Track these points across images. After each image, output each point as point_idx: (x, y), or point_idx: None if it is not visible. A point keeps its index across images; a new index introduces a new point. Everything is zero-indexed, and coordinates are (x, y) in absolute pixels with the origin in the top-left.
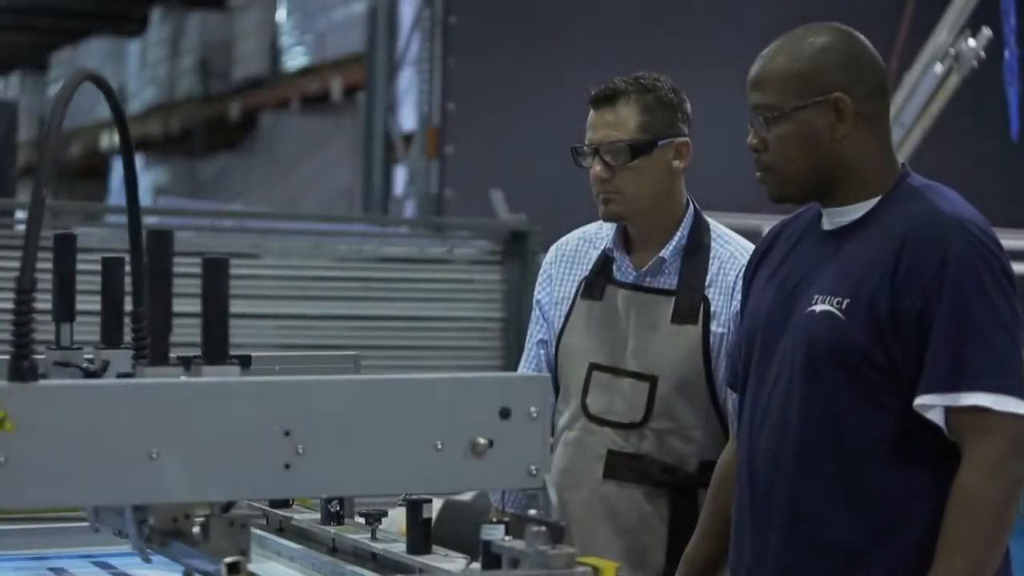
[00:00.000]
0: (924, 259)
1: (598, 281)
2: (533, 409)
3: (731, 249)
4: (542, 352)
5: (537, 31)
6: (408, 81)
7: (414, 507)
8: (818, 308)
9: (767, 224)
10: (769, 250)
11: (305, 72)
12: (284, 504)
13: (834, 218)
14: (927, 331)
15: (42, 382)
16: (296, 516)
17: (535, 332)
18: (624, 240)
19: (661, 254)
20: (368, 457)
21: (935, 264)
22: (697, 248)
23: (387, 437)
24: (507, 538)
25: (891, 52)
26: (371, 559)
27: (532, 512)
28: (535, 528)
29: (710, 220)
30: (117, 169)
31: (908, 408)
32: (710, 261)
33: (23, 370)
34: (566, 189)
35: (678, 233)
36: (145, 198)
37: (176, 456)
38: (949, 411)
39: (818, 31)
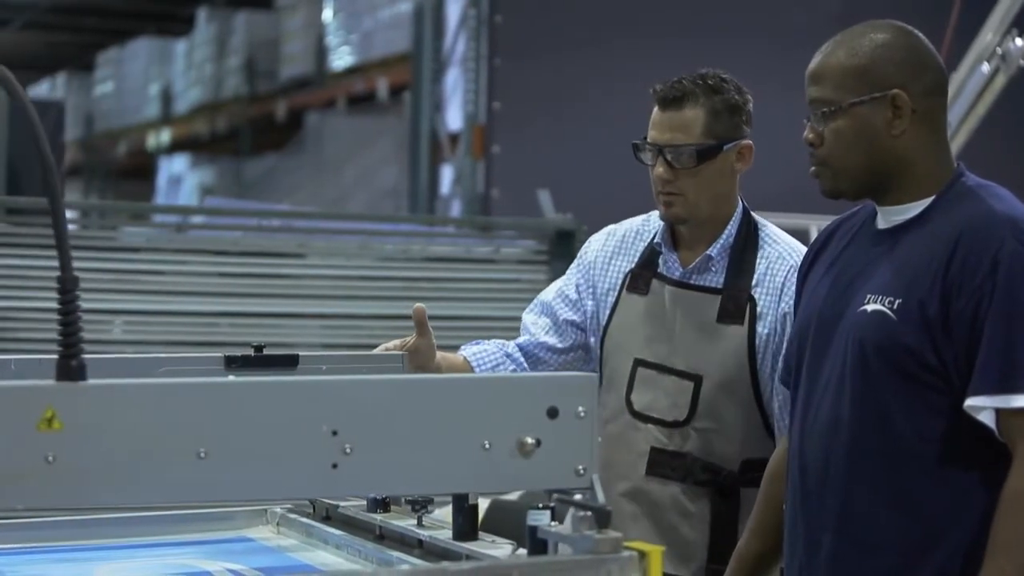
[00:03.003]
0: (975, 260)
1: (644, 275)
2: (581, 408)
3: (779, 249)
4: (551, 319)
5: (583, 30)
6: (454, 80)
7: (460, 498)
8: (870, 307)
9: (815, 224)
10: (823, 247)
11: (351, 72)
12: None
13: (888, 217)
14: (979, 332)
15: (90, 381)
16: (342, 504)
17: (561, 306)
18: (672, 236)
19: (709, 252)
20: (415, 457)
21: (986, 265)
22: (745, 247)
23: (434, 436)
24: (553, 523)
25: (937, 52)
26: (418, 546)
27: (578, 497)
28: (581, 513)
29: (760, 219)
30: (164, 169)
31: (959, 409)
32: (758, 261)
33: (71, 369)
34: (613, 188)
35: (726, 231)
36: (191, 198)
37: (224, 456)
38: (1000, 413)
39: (879, 27)
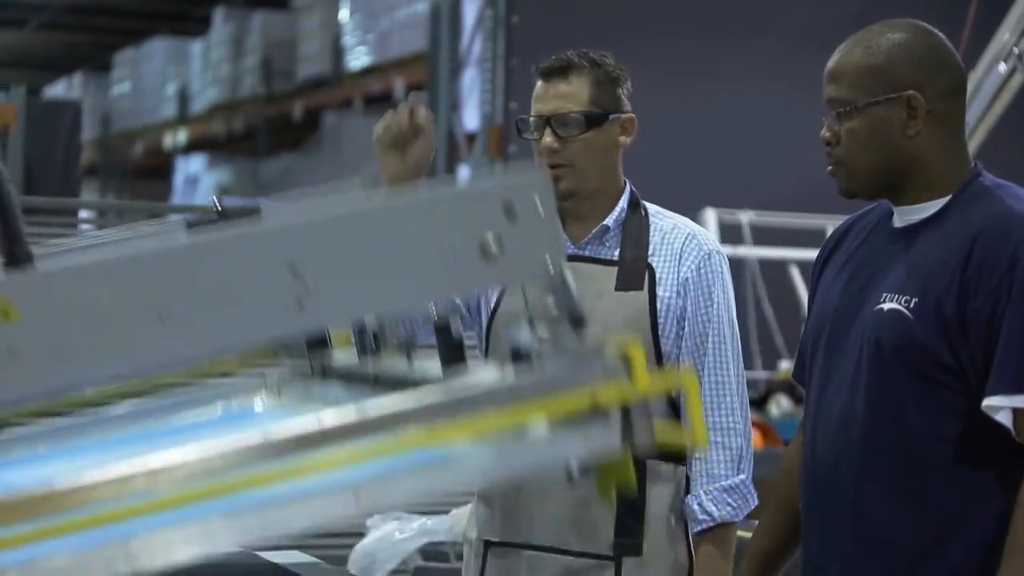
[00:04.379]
0: (993, 259)
1: None
2: (538, 202)
3: (673, 221)
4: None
5: (599, 31)
6: (471, 81)
7: (443, 330)
8: (886, 306)
9: (830, 223)
10: (838, 245)
11: (368, 72)
12: (322, 344)
13: (905, 216)
14: (996, 332)
15: (39, 267)
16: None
17: None
18: (561, 217)
19: (605, 222)
20: (381, 284)
21: (1004, 264)
22: (636, 222)
23: (397, 258)
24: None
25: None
26: (412, 385)
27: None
28: (557, 319)
29: (645, 202)
30: (181, 168)
31: (975, 408)
32: (651, 233)
33: (17, 256)
34: None
35: (619, 205)
36: (208, 198)
37: (186, 313)
38: (1017, 413)
39: (897, 27)
